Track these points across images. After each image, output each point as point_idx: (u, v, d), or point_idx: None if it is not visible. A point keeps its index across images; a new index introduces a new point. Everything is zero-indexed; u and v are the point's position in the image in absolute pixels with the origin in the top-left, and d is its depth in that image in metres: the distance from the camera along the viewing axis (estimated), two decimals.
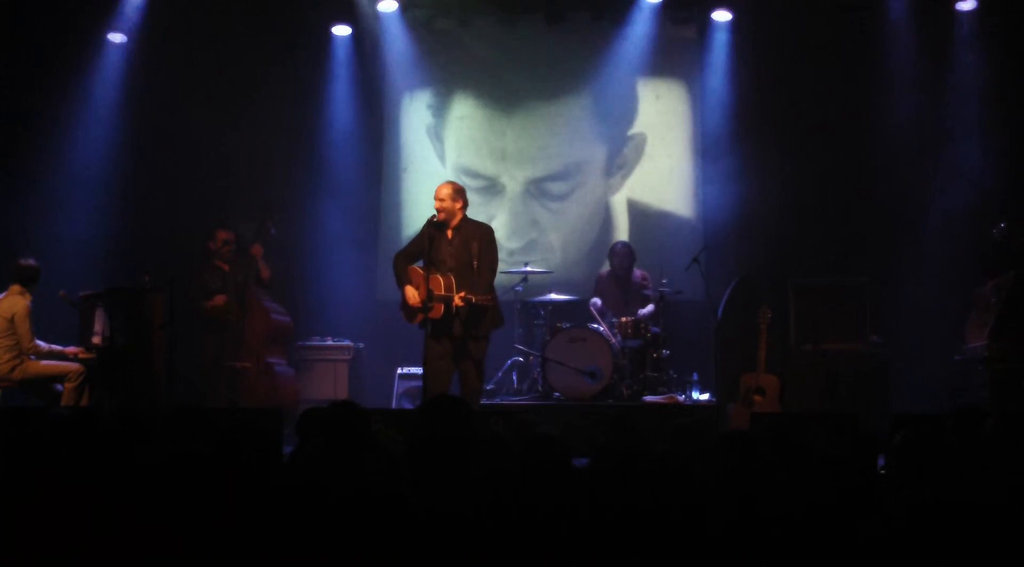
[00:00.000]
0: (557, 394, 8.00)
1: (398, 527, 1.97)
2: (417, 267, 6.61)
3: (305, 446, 3.66)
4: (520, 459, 2.73)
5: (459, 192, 6.60)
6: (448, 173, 9.32)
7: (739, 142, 9.13)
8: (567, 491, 2.29)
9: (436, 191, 6.58)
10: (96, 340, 7.25)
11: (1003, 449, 3.20)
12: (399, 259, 6.70)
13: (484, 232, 6.63)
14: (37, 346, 7.10)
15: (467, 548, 2.12)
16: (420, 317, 6.51)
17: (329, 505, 2.04)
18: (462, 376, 6.56)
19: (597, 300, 8.45)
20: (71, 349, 7.31)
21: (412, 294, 6.49)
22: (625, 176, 9.66)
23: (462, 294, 6.27)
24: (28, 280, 7.19)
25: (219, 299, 7.91)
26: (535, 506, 2.26)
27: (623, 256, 8.51)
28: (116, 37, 9.14)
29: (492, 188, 9.69)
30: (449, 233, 6.55)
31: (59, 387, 7.16)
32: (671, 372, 8.30)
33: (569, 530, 2.15)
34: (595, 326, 8.17)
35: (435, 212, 6.55)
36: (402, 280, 6.60)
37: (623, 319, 8.20)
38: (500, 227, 9.09)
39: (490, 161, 9.73)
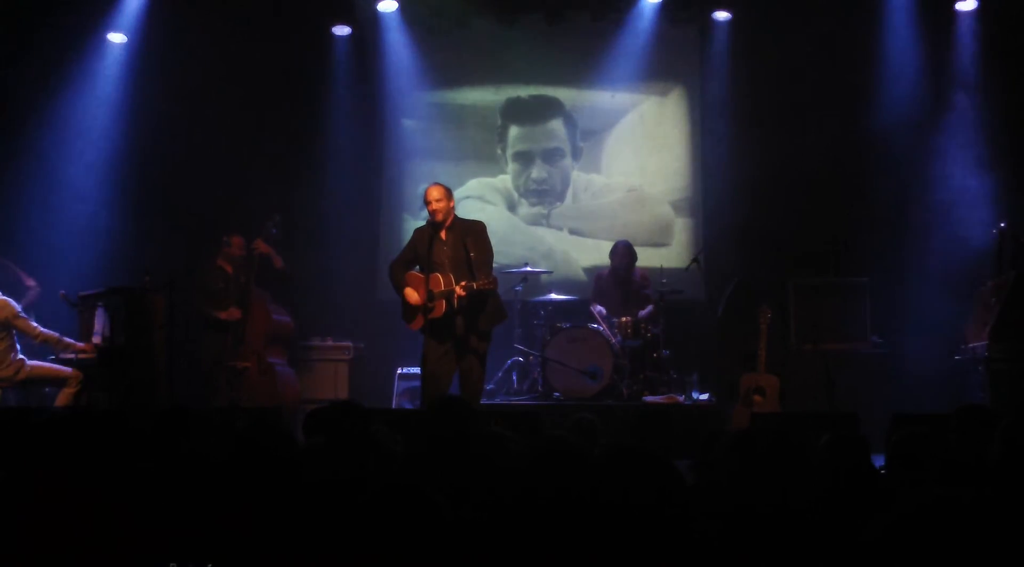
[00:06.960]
0: (557, 394, 8.00)
1: (424, 524, 1.97)
2: (414, 272, 6.60)
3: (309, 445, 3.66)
4: (526, 457, 2.72)
5: (449, 192, 6.60)
6: (452, 171, 9.36)
7: (739, 141, 9.13)
8: (571, 490, 2.28)
9: (427, 193, 6.53)
10: (96, 340, 7.24)
11: (1012, 449, 3.19)
12: (395, 267, 6.66)
13: (477, 228, 6.60)
14: (44, 334, 7.07)
15: (483, 546, 2.12)
16: (421, 321, 6.49)
17: (352, 501, 2.04)
18: (463, 376, 6.49)
19: (602, 308, 8.41)
20: (80, 344, 7.28)
21: (412, 294, 6.47)
22: (624, 176, 9.66)
23: (463, 283, 6.26)
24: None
25: (235, 313, 7.89)
26: (536, 505, 2.26)
27: (623, 255, 8.49)
28: (116, 37, 9.14)
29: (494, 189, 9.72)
30: (443, 234, 6.53)
31: (48, 390, 7.17)
32: (671, 372, 8.29)
33: (572, 530, 2.15)
34: (595, 326, 8.16)
35: (430, 214, 6.53)
36: (400, 286, 6.57)
37: (623, 319, 8.18)
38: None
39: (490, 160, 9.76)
